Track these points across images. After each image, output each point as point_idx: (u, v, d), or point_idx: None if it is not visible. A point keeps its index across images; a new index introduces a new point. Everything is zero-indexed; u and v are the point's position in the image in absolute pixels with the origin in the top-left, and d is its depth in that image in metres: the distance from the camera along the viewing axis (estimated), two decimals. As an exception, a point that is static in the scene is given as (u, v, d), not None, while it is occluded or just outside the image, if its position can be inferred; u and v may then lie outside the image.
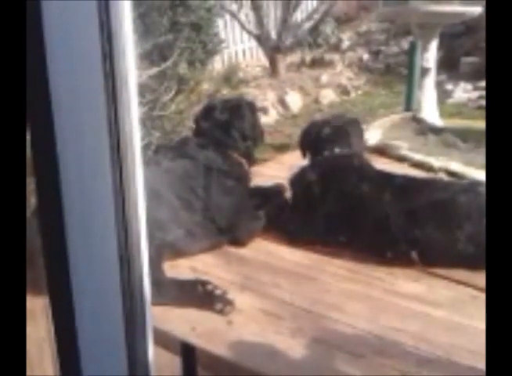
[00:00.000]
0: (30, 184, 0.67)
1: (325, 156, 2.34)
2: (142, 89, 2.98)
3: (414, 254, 1.97)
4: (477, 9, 3.88)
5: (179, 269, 1.98)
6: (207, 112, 2.43)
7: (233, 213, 2.21)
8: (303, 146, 2.47)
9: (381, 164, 2.49)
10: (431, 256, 1.98)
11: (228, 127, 2.35)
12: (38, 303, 0.83)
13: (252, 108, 2.50)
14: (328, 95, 6.16)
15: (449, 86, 6.02)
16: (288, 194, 2.45)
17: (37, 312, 0.86)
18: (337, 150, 2.33)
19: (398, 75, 6.18)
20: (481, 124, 3.17)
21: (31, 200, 0.71)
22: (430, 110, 4.18)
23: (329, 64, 7.03)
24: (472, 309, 1.71)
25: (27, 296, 0.80)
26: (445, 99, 5.52)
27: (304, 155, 2.45)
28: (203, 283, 1.82)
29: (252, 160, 2.46)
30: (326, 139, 2.36)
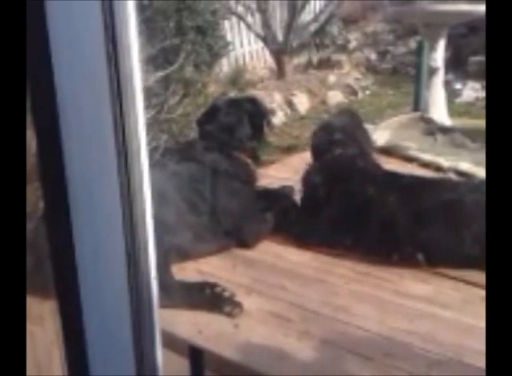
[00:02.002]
0: (38, 189, 0.67)
1: (331, 157, 2.34)
2: (149, 93, 2.99)
3: (420, 256, 1.96)
4: (484, 8, 3.85)
5: (187, 271, 1.98)
6: (211, 114, 2.42)
7: (240, 215, 2.20)
8: (312, 149, 2.46)
9: (390, 164, 2.48)
10: (439, 257, 1.97)
11: (232, 127, 2.34)
12: (47, 307, 0.83)
13: (256, 105, 2.48)
14: (335, 96, 6.14)
15: (458, 85, 5.98)
16: (296, 196, 2.44)
17: (46, 315, 0.86)
18: (342, 151, 2.32)
19: (406, 75, 6.15)
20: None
21: (39, 205, 0.71)
22: (438, 110, 4.15)
23: (337, 65, 7.02)
24: (481, 310, 1.68)
25: (36, 300, 0.81)
26: (454, 99, 5.49)
27: (313, 156, 2.44)
28: (212, 286, 1.82)
29: (258, 160, 2.45)
30: (332, 140, 2.35)
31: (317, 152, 2.39)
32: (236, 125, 2.35)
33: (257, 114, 2.43)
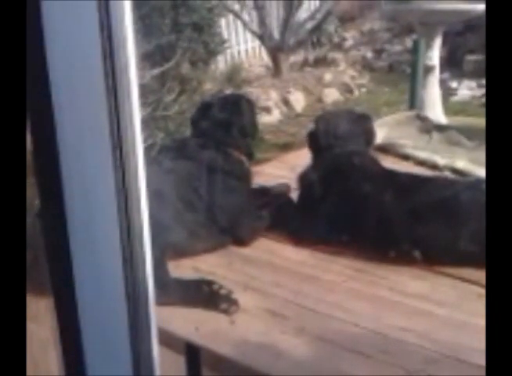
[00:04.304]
0: (34, 186, 0.67)
1: (328, 154, 2.33)
2: (145, 90, 2.98)
3: (417, 254, 1.96)
4: (481, 7, 3.86)
5: (182, 269, 1.98)
6: (201, 111, 2.43)
7: (235, 212, 2.20)
8: (309, 144, 2.45)
9: (385, 162, 2.48)
10: (435, 255, 1.98)
11: (225, 124, 2.34)
12: (43, 304, 0.83)
13: (247, 102, 2.49)
14: (331, 94, 6.15)
15: (453, 84, 6.00)
16: (293, 193, 2.44)
17: (42, 312, 0.86)
18: (340, 149, 2.32)
19: (402, 73, 6.16)
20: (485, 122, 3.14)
21: (35, 202, 0.71)
22: (434, 108, 4.16)
23: (333, 63, 7.03)
24: (477, 307, 1.70)
25: (32, 297, 0.80)
26: (449, 97, 5.51)
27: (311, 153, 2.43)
28: (209, 283, 1.82)
29: (252, 156, 2.45)
30: (331, 136, 2.35)
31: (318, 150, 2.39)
32: (226, 122, 2.35)
33: (247, 111, 2.43)
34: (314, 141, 2.41)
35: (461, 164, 3.01)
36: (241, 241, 2.19)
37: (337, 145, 2.31)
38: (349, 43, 7.65)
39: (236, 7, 6.34)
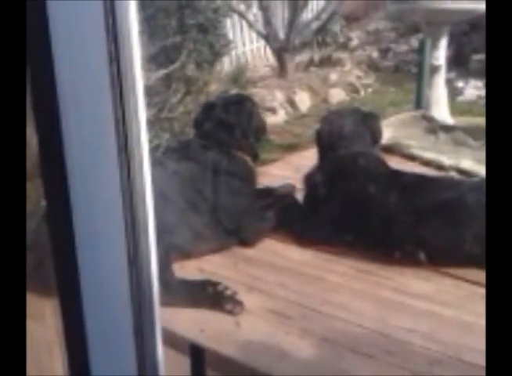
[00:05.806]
0: (40, 187, 0.67)
1: (334, 154, 2.33)
2: (151, 91, 2.99)
3: (422, 255, 1.96)
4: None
5: (187, 270, 1.99)
6: (205, 113, 2.43)
7: (240, 213, 2.20)
8: (317, 144, 2.44)
9: (391, 162, 2.48)
10: (440, 256, 1.97)
11: (228, 125, 2.35)
12: (48, 305, 0.84)
13: (250, 103, 2.49)
14: (337, 94, 6.14)
15: (459, 83, 5.98)
16: (298, 194, 2.44)
17: (47, 313, 0.87)
18: (347, 148, 2.32)
19: (408, 73, 6.14)
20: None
21: (42, 203, 0.71)
22: (440, 108, 4.15)
23: (338, 63, 7.01)
24: (481, 308, 1.68)
25: (37, 298, 0.81)
26: (456, 97, 5.48)
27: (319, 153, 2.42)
28: (214, 284, 1.83)
29: (256, 157, 2.45)
30: (337, 135, 2.34)
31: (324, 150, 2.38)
32: (229, 123, 2.35)
33: (250, 111, 2.44)
34: (320, 140, 2.41)
35: (467, 164, 3.00)
36: (246, 242, 2.19)
37: (344, 144, 2.31)
38: (355, 43, 7.63)
39: (242, 7, 6.35)
